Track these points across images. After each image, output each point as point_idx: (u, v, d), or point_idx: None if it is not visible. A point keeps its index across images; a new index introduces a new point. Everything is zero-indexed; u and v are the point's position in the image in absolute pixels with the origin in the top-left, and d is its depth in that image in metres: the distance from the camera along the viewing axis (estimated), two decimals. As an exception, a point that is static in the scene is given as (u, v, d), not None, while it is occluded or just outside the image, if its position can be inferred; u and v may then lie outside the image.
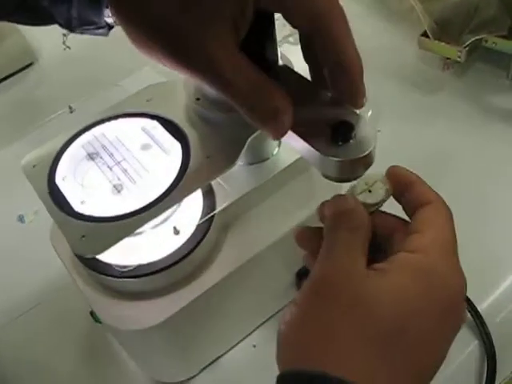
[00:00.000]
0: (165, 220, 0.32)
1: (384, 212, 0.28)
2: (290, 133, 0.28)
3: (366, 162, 0.27)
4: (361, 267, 0.24)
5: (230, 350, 0.41)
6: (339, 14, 0.26)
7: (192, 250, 0.32)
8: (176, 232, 0.32)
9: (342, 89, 0.27)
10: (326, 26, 0.25)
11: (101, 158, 0.33)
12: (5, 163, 0.59)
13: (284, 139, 0.29)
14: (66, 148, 0.33)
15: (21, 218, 0.54)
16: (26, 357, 0.46)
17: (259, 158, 0.36)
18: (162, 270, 0.32)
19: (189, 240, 0.33)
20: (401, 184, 0.27)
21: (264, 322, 0.42)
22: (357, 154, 0.26)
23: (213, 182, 0.35)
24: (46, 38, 0.74)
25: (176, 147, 0.32)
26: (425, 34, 0.58)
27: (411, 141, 0.55)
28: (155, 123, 0.34)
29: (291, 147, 0.29)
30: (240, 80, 0.25)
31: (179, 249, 0.32)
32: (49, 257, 0.47)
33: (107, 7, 0.28)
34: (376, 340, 0.22)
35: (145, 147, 0.33)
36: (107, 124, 0.34)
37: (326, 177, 0.28)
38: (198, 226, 0.33)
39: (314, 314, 0.24)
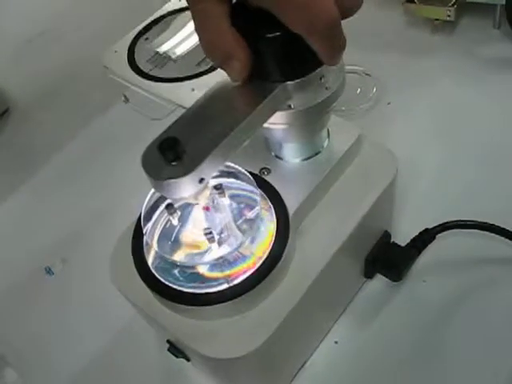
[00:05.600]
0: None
1: None
2: None
3: None
4: None
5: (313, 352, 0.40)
6: None
7: (278, 258, 0.31)
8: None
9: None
10: None
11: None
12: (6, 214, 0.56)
13: None
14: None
15: (48, 270, 0.51)
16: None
17: (312, 153, 0.35)
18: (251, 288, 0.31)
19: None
20: None
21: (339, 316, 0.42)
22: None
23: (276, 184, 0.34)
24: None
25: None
26: (409, 0, 0.58)
27: (419, 106, 0.55)
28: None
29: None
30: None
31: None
32: (97, 303, 0.46)
33: None
34: None
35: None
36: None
37: None
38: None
39: None
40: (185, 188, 0.26)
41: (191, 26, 0.32)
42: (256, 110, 0.27)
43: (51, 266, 0.51)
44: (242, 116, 0.27)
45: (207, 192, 0.28)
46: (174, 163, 0.25)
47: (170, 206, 0.32)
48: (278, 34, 0.25)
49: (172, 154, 0.25)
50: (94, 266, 0.48)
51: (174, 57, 0.52)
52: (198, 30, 0.27)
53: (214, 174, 0.27)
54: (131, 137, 0.58)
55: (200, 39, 0.27)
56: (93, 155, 0.59)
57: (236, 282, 0.31)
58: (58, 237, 0.52)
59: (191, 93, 0.47)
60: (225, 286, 0.31)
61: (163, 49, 0.53)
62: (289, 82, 0.28)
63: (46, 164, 0.60)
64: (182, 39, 0.54)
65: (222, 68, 0.28)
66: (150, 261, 0.33)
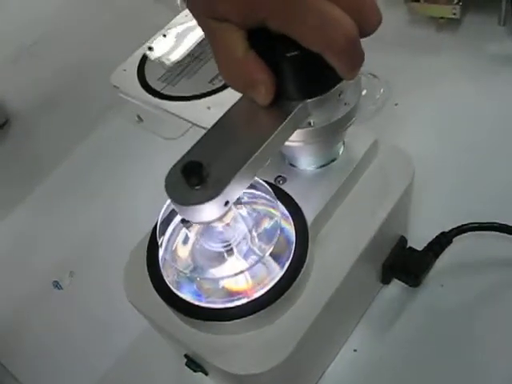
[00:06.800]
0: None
1: None
2: None
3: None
4: None
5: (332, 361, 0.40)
6: None
7: (299, 270, 0.30)
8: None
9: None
10: None
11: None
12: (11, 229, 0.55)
13: None
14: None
15: (56, 285, 0.50)
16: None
17: (327, 160, 0.35)
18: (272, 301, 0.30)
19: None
20: None
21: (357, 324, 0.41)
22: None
23: (292, 193, 0.33)
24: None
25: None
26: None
27: (427, 106, 0.54)
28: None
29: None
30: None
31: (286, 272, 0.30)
32: (108, 316, 0.45)
33: None
34: None
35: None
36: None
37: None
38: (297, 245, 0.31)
39: None
40: (210, 212, 0.25)
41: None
42: (278, 130, 0.26)
43: (59, 280, 0.50)
44: (264, 137, 0.26)
45: (231, 213, 0.27)
46: (197, 187, 0.24)
47: (185, 220, 0.31)
48: (297, 52, 0.25)
49: (196, 178, 0.24)
50: (103, 279, 0.47)
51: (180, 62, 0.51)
52: (217, 58, 0.26)
53: (239, 195, 0.26)
54: (135, 145, 0.58)
55: (220, 68, 0.27)
56: (97, 165, 0.58)
57: (256, 296, 0.30)
58: (64, 250, 0.51)
59: (207, 111, 0.46)
60: (244, 300, 0.30)
61: (171, 59, 0.52)
62: (309, 100, 0.28)
63: (49, 176, 0.59)
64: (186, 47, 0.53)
65: (246, 94, 0.27)
66: (166, 275, 0.32)
